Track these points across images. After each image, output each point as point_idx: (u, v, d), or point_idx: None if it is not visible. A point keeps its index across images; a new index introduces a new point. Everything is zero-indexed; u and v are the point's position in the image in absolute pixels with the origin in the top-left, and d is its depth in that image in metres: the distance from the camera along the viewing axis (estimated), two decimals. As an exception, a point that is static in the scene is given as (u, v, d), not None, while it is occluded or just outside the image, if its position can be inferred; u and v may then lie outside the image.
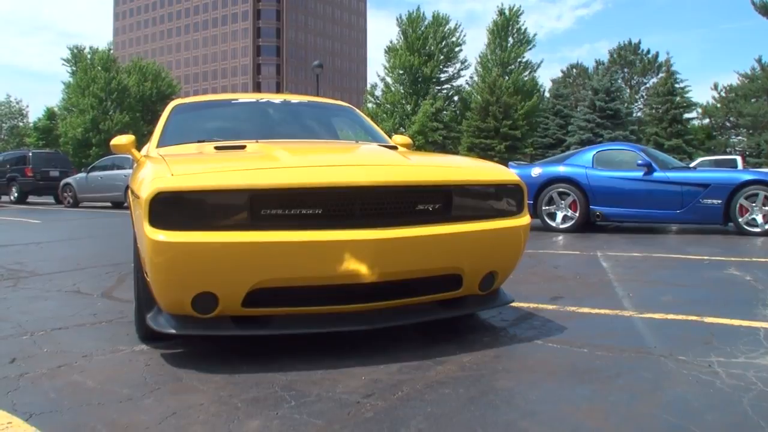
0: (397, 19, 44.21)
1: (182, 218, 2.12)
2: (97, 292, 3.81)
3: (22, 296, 3.71)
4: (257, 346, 2.50)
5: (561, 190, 7.82)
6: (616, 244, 6.36)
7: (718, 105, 38.82)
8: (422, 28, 43.06)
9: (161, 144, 3.43)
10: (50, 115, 50.23)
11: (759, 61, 34.84)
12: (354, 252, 2.20)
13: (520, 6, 42.55)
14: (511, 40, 43.15)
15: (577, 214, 7.68)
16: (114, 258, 5.30)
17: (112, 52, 50.48)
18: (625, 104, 37.59)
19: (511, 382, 2.13)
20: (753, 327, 2.77)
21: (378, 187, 2.27)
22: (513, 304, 3.08)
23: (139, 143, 3.84)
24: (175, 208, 2.12)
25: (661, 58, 44.52)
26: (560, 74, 53.11)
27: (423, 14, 43.53)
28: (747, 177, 7.12)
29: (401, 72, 42.99)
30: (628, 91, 45.38)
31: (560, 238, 7.17)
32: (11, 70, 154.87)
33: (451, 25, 43.70)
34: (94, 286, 4.03)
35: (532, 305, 3.27)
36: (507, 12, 43.02)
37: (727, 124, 39.93)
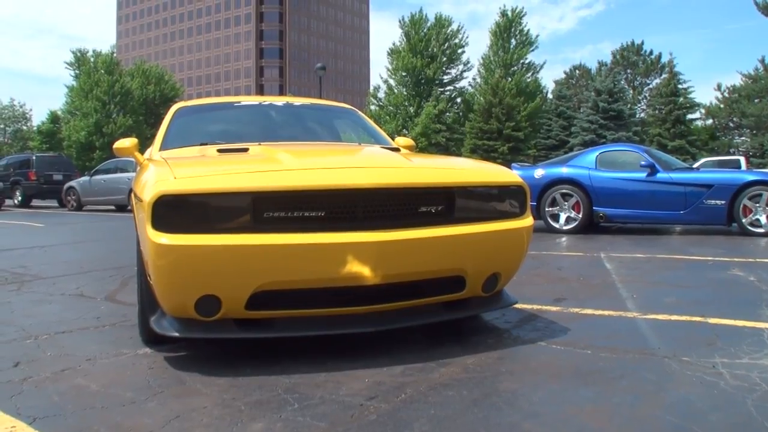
0: (400, 21, 44.42)
1: (185, 221, 2.12)
2: (101, 296, 3.82)
3: (26, 300, 3.72)
4: (260, 349, 2.50)
5: (564, 191, 7.81)
6: (620, 246, 6.34)
7: (722, 105, 38.72)
8: (425, 30, 43.18)
9: (164, 147, 3.43)
10: (54, 118, 50.41)
11: (762, 61, 34.84)
12: (357, 254, 2.20)
13: (523, 7, 42.86)
14: (513, 41, 43.24)
15: (580, 216, 7.67)
16: (117, 261, 5.31)
17: (115, 55, 50.69)
18: (628, 105, 37.55)
19: (515, 383, 2.13)
20: (757, 328, 2.76)
21: (381, 189, 2.27)
22: (516, 306, 3.08)
23: (142, 146, 3.85)
24: (177, 211, 2.12)
25: (664, 59, 44.61)
26: (563, 75, 53.19)
27: (425, 16, 43.73)
28: (750, 177, 7.10)
29: (404, 74, 43.10)
30: (631, 92, 45.33)
31: (563, 239, 7.16)
32: (14, 73, 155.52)
33: (454, 26, 43.90)
34: (98, 289, 4.04)
35: (535, 307, 3.27)
36: (509, 13, 43.12)
37: (731, 124, 39.82)
